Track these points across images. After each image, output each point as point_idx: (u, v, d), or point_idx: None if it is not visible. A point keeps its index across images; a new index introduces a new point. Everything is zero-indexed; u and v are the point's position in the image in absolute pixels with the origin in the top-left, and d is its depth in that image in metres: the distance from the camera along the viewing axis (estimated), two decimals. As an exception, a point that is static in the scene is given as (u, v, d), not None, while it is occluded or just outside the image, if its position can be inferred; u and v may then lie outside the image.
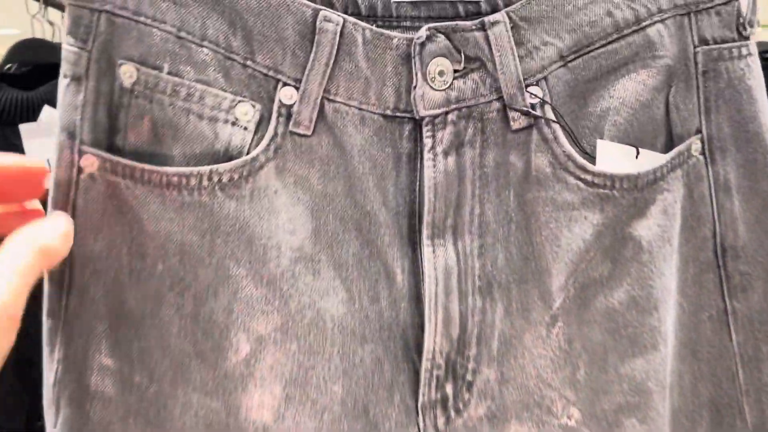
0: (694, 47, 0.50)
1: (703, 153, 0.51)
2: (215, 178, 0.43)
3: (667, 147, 0.50)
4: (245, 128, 0.45)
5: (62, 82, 0.44)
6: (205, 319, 0.44)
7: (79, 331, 0.44)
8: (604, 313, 0.48)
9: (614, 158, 0.48)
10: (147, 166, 0.43)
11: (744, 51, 0.50)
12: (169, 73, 0.44)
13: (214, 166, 0.44)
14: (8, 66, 1.26)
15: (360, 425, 0.46)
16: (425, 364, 0.47)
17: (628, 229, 0.48)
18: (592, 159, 0.47)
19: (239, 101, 0.45)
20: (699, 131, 0.51)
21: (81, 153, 0.43)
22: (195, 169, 0.43)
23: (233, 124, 0.45)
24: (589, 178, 0.47)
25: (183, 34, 0.44)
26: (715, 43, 0.50)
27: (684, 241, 0.50)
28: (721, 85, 0.50)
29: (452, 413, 0.47)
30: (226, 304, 0.44)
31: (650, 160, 0.48)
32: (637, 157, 0.49)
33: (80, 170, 0.43)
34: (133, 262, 0.44)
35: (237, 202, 0.44)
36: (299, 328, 0.44)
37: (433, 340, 0.46)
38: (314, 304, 0.45)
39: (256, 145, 0.45)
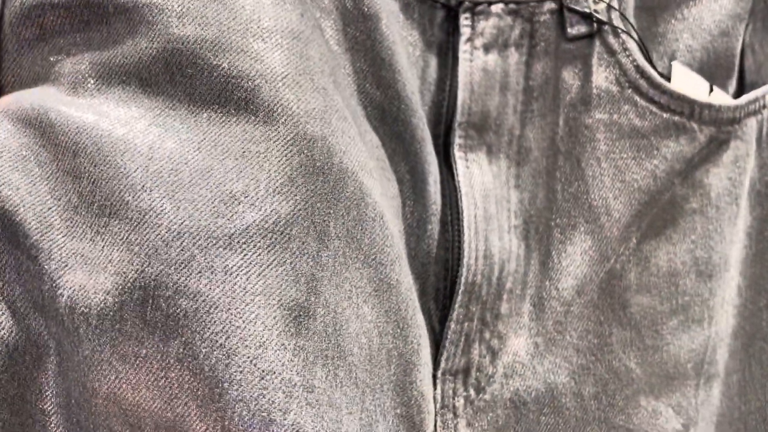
0: None
1: None
2: None
3: (738, 94, 0.42)
4: None
5: None
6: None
7: None
8: (666, 274, 0.38)
9: (688, 87, 0.39)
10: None
11: None
12: None
13: None
14: None
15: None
16: (457, 313, 0.35)
17: (700, 174, 0.38)
18: (667, 80, 0.38)
19: None
20: None
21: None
22: None
23: None
24: (664, 101, 0.38)
25: None
26: None
27: (749, 209, 0.42)
28: None
29: (472, 391, 0.36)
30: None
31: (723, 100, 0.40)
32: (709, 94, 0.40)
33: None
34: None
35: None
36: None
37: (471, 279, 0.35)
38: None
39: None
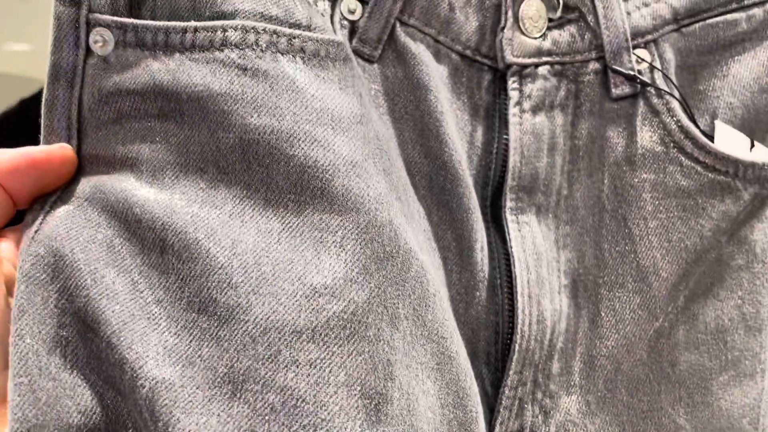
0: None
1: None
2: (297, 44, 0.31)
3: None
4: (321, 14, 0.34)
5: None
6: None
7: None
8: (714, 331, 0.38)
9: (731, 145, 0.40)
10: (191, 24, 0.30)
11: None
12: None
13: (296, 31, 0.31)
14: None
15: None
16: (511, 379, 0.35)
17: (745, 231, 0.39)
18: (710, 139, 0.39)
19: None
20: None
21: (91, 25, 0.30)
22: (267, 26, 0.31)
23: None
24: (709, 161, 0.38)
25: None
26: None
27: None
28: None
29: None
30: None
31: (764, 155, 0.41)
32: (751, 149, 0.41)
33: (89, 52, 0.31)
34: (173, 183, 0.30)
35: (326, 85, 0.31)
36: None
37: (525, 345, 0.36)
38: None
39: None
